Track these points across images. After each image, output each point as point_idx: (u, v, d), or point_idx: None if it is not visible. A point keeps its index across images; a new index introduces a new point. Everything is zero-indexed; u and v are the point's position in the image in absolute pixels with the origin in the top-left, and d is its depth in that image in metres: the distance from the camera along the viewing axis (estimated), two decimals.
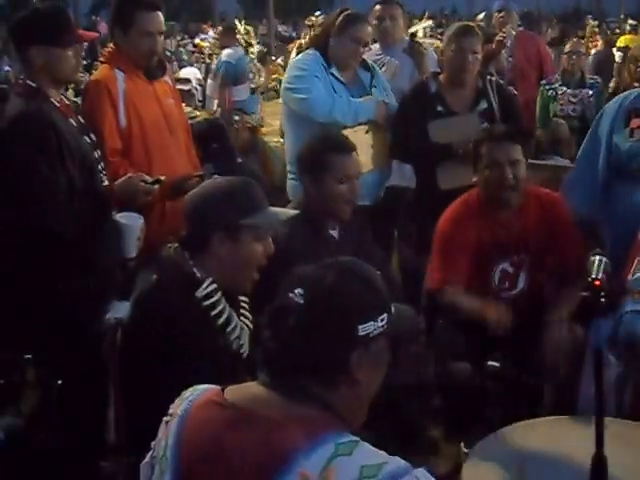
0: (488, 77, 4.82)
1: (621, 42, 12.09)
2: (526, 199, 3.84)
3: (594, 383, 2.01)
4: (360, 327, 1.73)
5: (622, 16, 20.38)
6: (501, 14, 7.55)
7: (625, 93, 4.66)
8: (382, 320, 1.78)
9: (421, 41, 5.84)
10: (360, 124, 4.54)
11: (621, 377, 3.49)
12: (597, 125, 4.53)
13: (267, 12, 19.99)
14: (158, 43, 4.04)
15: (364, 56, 4.79)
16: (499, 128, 3.82)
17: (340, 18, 4.67)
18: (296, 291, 1.75)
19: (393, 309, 1.84)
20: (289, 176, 4.74)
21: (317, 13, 15.13)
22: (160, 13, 4.04)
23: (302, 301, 1.74)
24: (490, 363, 3.80)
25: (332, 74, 4.64)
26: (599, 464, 2.02)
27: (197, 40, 21.04)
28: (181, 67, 16.65)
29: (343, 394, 1.76)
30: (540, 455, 2.77)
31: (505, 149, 3.75)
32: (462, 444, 3.73)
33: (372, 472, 1.59)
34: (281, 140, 6.25)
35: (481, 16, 9.72)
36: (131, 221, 3.45)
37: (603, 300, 2.02)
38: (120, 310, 2.81)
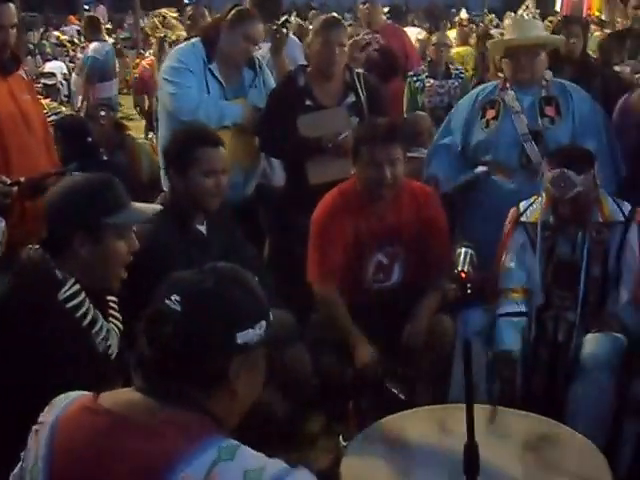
0: (355, 70, 4.85)
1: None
2: (400, 192, 3.88)
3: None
4: (239, 335, 1.71)
5: (485, 10, 20.95)
6: (366, 6, 7.64)
7: (481, 86, 4.80)
8: (261, 328, 1.76)
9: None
10: (226, 127, 4.48)
11: (491, 364, 3.59)
12: (449, 120, 4.65)
13: (133, 3, 19.55)
14: (10, 36, 3.86)
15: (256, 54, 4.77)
16: (380, 127, 3.83)
17: (232, 13, 4.61)
18: (173, 297, 1.71)
19: (271, 316, 1.82)
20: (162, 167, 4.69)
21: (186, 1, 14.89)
22: (11, 5, 3.87)
23: (179, 308, 1.70)
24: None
25: (210, 70, 4.58)
26: (471, 452, 2.05)
27: (56, 33, 20.50)
28: (46, 61, 16.15)
29: (221, 400, 1.74)
30: (416, 445, 2.82)
31: (386, 149, 3.75)
32: (340, 437, 3.78)
33: (255, 476, 1.58)
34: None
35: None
36: None
37: (469, 292, 2.05)
38: None
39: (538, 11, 6.52)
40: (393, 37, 7.65)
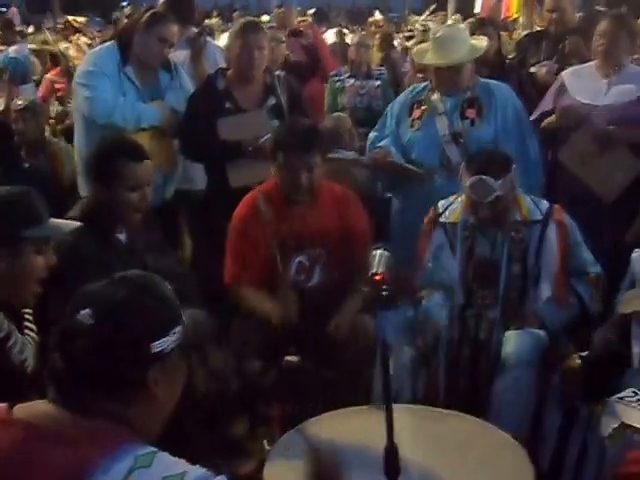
0: (275, 73, 4.84)
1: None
2: (321, 195, 3.89)
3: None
4: (154, 344, 1.71)
5: (406, 11, 21.13)
6: (281, 9, 7.69)
7: (413, 85, 4.87)
8: (175, 333, 1.75)
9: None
10: (144, 129, 4.45)
11: (415, 363, 3.62)
12: (385, 117, 4.70)
13: (51, 4, 19.15)
14: None
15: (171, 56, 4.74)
16: (298, 133, 3.82)
17: (146, 16, 4.57)
18: (84, 312, 1.69)
19: (186, 319, 1.81)
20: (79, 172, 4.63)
21: (124, 3, 14.70)
22: None
23: (91, 321, 1.68)
24: (287, 358, 3.84)
25: (125, 73, 4.53)
26: (391, 453, 2.06)
27: None
28: None
29: (141, 407, 1.73)
30: (338, 447, 2.82)
31: (302, 155, 3.75)
32: (265, 441, 3.76)
33: None
34: None
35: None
36: None
37: (385, 294, 2.06)
38: None
39: (458, 16, 6.63)
40: (314, 39, 7.76)
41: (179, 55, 5.12)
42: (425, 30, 9.20)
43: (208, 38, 5.66)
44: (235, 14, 13.99)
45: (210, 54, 5.46)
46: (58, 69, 8.44)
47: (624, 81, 4.60)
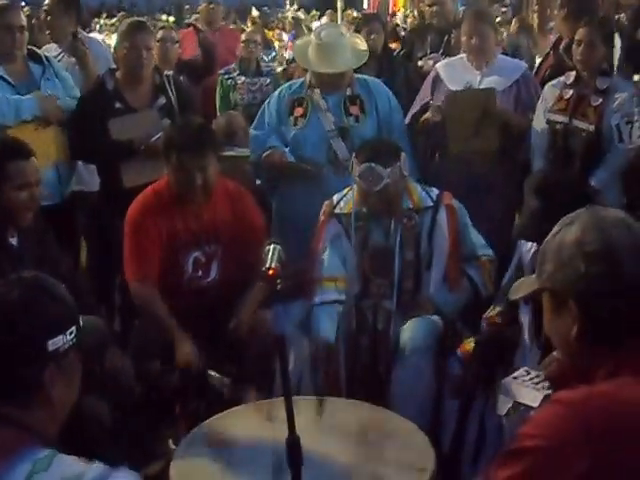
0: (165, 72, 4.84)
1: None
2: (215, 192, 3.89)
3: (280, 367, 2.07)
4: (49, 342, 1.70)
5: (295, 7, 21.23)
6: (211, 6, 7.73)
7: (288, 83, 4.89)
8: (71, 333, 1.75)
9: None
10: (25, 122, 4.37)
11: (314, 355, 3.66)
12: (263, 115, 4.72)
13: None
14: None
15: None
16: (190, 133, 3.81)
17: None
18: None
19: (81, 321, 1.81)
20: None
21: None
22: None
23: None
24: None
25: None
26: (293, 444, 2.07)
27: None
28: None
29: (39, 409, 1.71)
30: (242, 442, 2.84)
31: (195, 156, 3.73)
32: (170, 441, 3.73)
33: None
34: None
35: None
36: None
37: (280, 287, 2.08)
38: None
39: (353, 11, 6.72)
40: (230, 37, 7.87)
41: (67, 62, 5.10)
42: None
43: (99, 37, 5.59)
44: (120, 14, 13.79)
45: (100, 55, 5.41)
46: None
47: (495, 72, 4.76)
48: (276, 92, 4.84)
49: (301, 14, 11.64)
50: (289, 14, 12.36)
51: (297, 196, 4.50)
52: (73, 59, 5.09)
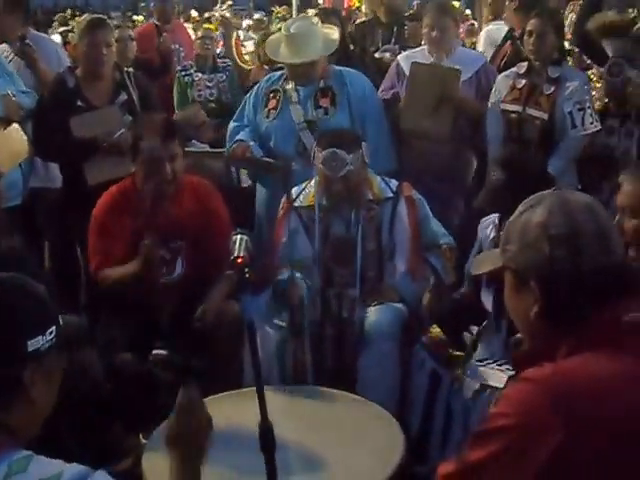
0: (125, 69, 4.84)
1: None
2: (181, 187, 3.91)
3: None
4: (29, 342, 1.68)
5: (250, 5, 21.25)
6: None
7: (267, 76, 4.91)
8: (51, 333, 1.73)
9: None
10: None
11: (280, 345, 3.69)
12: (244, 107, 4.74)
13: None
14: None
15: None
16: (158, 124, 3.83)
17: None
18: None
19: (61, 320, 1.80)
20: None
21: None
22: None
23: None
24: (155, 352, 3.84)
25: None
26: (266, 432, 2.09)
27: None
28: None
29: (19, 410, 1.70)
30: (215, 432, 2.86)
31: (164, 145, 3.76)
32: (141, 435, 3.75)
33: None
34: None
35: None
36: None
37: (248, 276, 2.11)
38: None
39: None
40: (181, 32, 7.94)
41: (18, 63, 5.07)
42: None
43: (53, 37, 5.55)
44: (67, 12, 13.67)
45: (51, 54, 5.38)
46: None
47: (456, 64, 4.80)
48: (259, 83, 4.85)
49: (227, 13, 11.62)
50: (217, 14, 12.31)
51: (272, 188, 4.54)
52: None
